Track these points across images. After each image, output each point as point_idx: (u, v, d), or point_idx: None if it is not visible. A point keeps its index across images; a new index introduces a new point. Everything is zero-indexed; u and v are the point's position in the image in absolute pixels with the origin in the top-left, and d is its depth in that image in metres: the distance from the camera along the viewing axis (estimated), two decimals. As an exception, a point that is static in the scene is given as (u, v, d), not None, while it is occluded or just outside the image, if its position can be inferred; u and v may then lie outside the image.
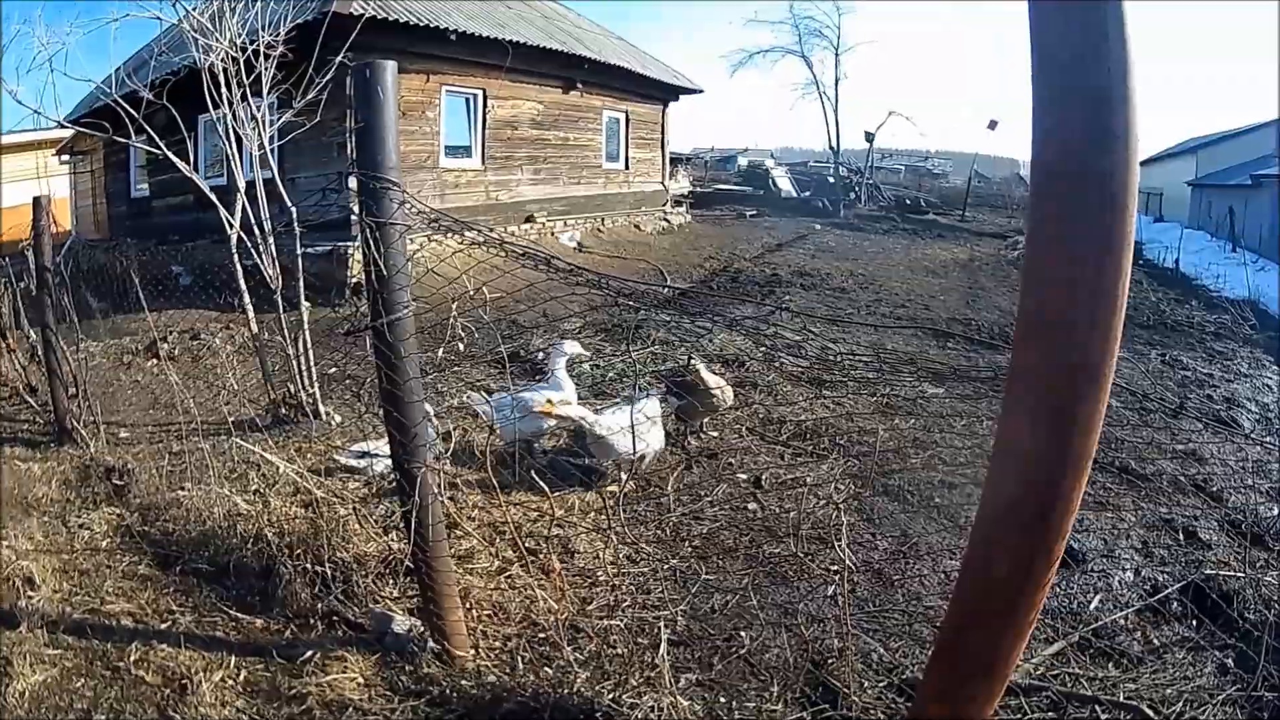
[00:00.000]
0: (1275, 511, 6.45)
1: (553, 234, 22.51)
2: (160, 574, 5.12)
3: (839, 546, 4.10)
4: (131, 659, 4.17)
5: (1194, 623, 4.82)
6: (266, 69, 8.09)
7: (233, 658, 4.20)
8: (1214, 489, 6.95)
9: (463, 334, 3.78)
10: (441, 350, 4.01)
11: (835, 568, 4.92)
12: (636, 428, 6.05)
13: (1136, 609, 5.00)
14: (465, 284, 3.77)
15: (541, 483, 4.51)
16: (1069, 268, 2.11)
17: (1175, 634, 4.75)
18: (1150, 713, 3.89)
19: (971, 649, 2.50)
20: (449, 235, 4.00)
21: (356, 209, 3.78)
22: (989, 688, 2.54)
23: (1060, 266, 2.13)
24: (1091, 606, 5.06)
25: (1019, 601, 2.34)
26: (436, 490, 3.97)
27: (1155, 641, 4.68)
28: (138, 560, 5.29)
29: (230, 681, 4.03)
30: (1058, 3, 2.13)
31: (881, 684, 4.07)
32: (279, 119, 8.50)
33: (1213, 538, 6.05)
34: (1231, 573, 5.36)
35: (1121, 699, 4.00)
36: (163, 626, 4.54)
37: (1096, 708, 3.95)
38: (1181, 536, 6.06)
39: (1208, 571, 5.38)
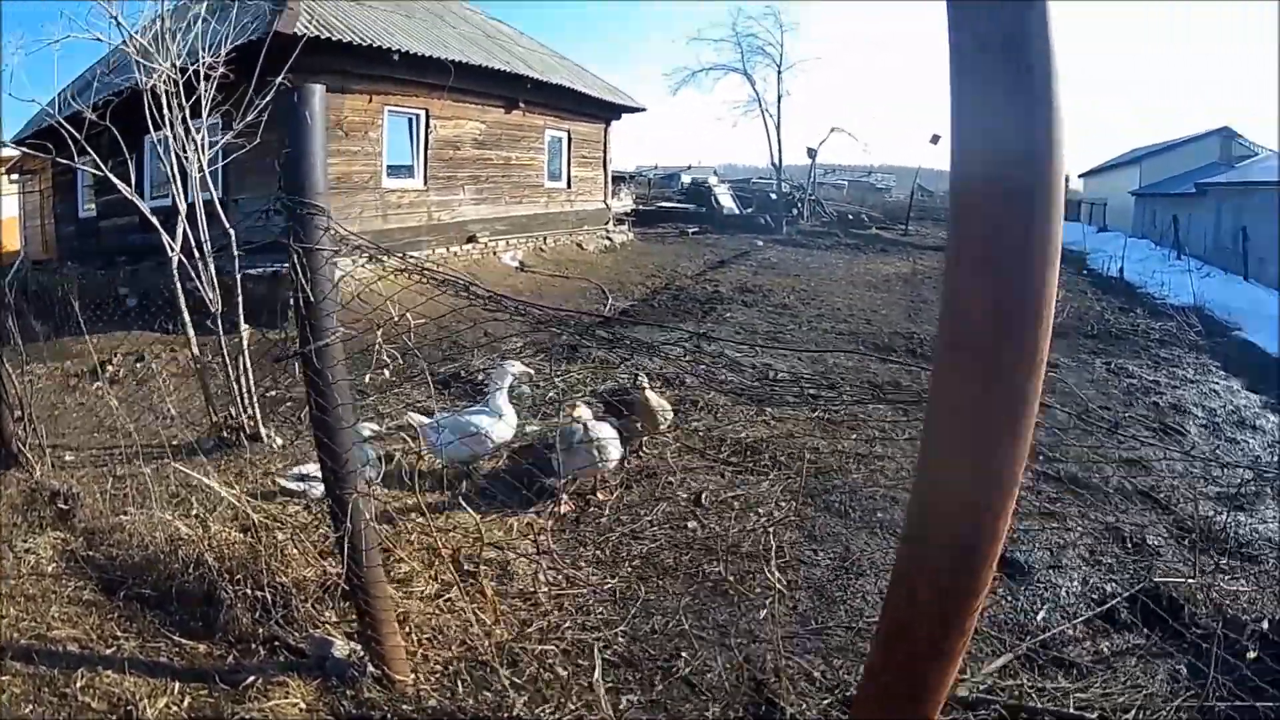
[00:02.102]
0: (1224, 518, 6.49)
1: (495, 254, 22.48)
2: (105, 599, 5.07)
3: (769, 570, 4.11)
4: (78, 685, 4.13)
5: (1144, 631, 4.84)
6: (207, 90, 8.05)
7: (176, 684, 4.17)
8: (1161, 496, 6.99)
9: (388, 360, 3.76)
10: (368, 376, 3.98)
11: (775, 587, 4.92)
12: (608, 441, 6.14)
13: (1085, 619, 5.03)
14: (394, 308, 3.76)
15: (468, 508, 4.51)
16: (991, 286, 2.05)
17: (1125, 643, 4.79)
18: (1102, 723, 3.90)
19: (903, 666, 2.48)
20: (384, 258, 3.98)
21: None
22: (926, 705, 2.51)
23: (982, 285, 2.06)
24: (1039, 618, 5.09)
25: (946, 624, 2.31)
26: (370, 516, 3.94)
27: (1105, 651, 4.72)
28: (83, 585, 5.24)
29: (174, 708, 4.00)
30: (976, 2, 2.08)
31: (825, 701, 4.08)
32: (220, 140, 8.43)
33: (1161, 545, 6.09)
34: (1181, 579, 5.39)
35: (1072, 710, 4.02)
36: (108, 652, 4.49)
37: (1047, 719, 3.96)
38: (1129, 545, 6.10)
39: (1157, 579, 5.41)
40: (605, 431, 6.55)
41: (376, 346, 3.77)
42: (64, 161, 8.61)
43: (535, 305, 4.42)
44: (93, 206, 21.96)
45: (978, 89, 2.07)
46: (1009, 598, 5.29)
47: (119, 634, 4.68)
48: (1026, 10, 1.98)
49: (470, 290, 3.80)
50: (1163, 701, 4.12)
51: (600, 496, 6.76)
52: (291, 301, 3.75)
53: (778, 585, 4.11)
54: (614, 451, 6.57)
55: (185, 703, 4.04)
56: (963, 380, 2.15)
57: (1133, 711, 4.02)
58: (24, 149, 10.45)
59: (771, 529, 5.85)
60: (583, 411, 6.63)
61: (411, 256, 4.17)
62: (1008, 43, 2.00)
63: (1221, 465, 8.08)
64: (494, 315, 4.23)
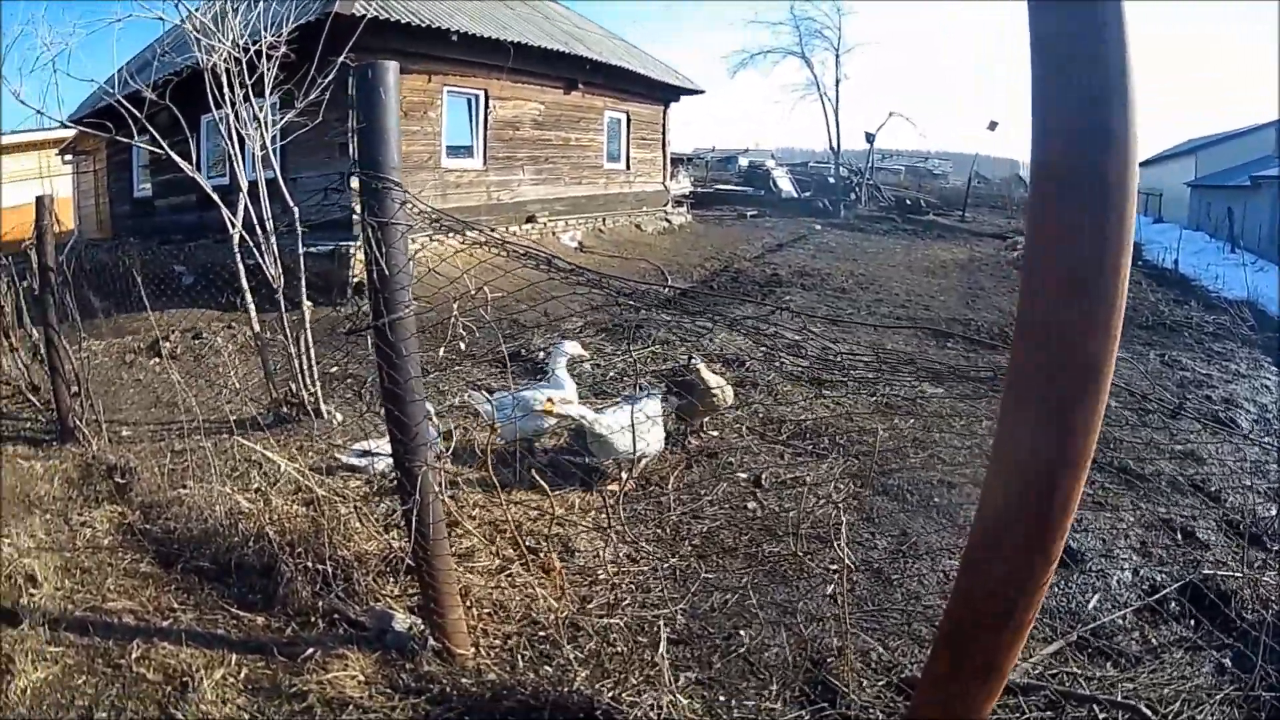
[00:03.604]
0: (1273, 511, 6.44)
1: (554, 234, 22.43)
2: (162, 572, 5.11)
3: (838, 545, 4.10)
4: (133, 656, 4.16)
5: (1192, 622, 4.82)
6: (268, 69, 8.08)
7: (234, 655, 4.19)
8: (1212, 489, 6.92)
9: (464, 333, 3.78)
10: (443, 349, 4.01)
11: (834, 567, 4.91)
12: (637, 427, 6.02)
13: (1135, 609, 4.99)
14: (466, 283, 3.77)
15: (541, 481, 4.52)
16: (1068, 267, 2.10)
17: (1173, 634, 4.74)
18: (1148, 712, 3.87)
19: (970, 648, 2.50)
20: (450, 235, 4.00)
21: (358, 209, 3.77)
22: (987, 687, 2.54)
23: (1060, 266, 2.12)
24: (1090, 606, 5.05)
25: (1017, 602, 2.34)
26: (437, 489, 3.98)
27: (1153, 641, 4.67)
28: (139, 558, 5.29)
29: (231, 679, 4.02)
30: (1056, 0, 2.13)
31: (880, 683, 4.07)
32: (281, 119, 8.47)
33: (1211, 538, 6.03)
34: (1229, 572, 5.35)
35: (1119, 698, 3.99)
36: (164, 624, 4.52)
37: (1094, 707, 3.94)
38: (1179, 536, 6.05)
39: (1205, 571, 5.37)
40: (618, 421, 6.36)
41: (453, 320, 3.79)
42: (123, 139, 8.69)
43: (615, 277, 4.43)
44: (148, 186, 22.09)
45: (1056, 75, 2.11)
46: (1061, 584, 5.25)
47: (175, 606, 4.72)
48: (1103, 8, 2.03)
49: (552, 263, 3.82)
50: (1209, 692, 4.10)
51: (660, 475, 6.72)
52: (354, 278, 3.79)
53: (846, 560, 4.10)
54: (645, 439, 6.40)
55: (242, 674, 4.07)
56: (1040, 350, 2.19)
57: (1179, 702, 4.00)
58: (81, 128, 10.50)
59: (840, 504, 5.83)
60: (578, 408, 6.54)
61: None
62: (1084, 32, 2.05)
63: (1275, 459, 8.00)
64: (572, 289, 4.25)
